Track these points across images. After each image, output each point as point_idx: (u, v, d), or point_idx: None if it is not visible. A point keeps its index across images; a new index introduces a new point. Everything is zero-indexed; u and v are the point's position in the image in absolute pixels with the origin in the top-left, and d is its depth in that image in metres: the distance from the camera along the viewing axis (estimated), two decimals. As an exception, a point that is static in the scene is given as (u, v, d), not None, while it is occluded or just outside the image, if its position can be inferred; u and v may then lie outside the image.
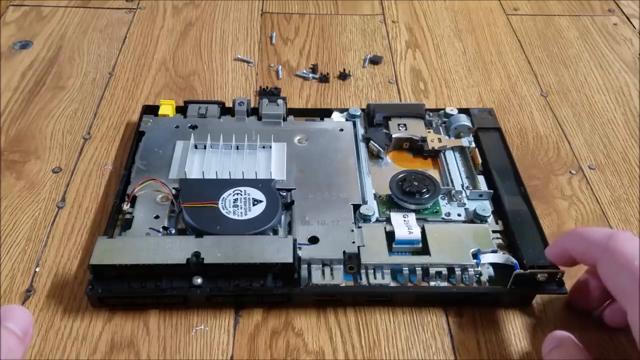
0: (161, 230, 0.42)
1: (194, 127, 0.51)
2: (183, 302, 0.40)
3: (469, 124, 0.52)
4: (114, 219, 0.44)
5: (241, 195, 0.44)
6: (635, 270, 0.32)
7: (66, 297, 0.41)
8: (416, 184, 0.46)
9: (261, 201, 0.44)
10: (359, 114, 0.53)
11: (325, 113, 0.54)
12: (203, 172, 0.47)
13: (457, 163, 0.50)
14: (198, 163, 0.48)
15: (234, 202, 0.43)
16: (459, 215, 0.46)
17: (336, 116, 0.54)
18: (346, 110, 0.54)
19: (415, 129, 0.51)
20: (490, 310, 0.41)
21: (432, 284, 0.41)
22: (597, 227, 0.43)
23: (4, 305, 0.39)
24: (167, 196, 0.44)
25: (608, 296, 0.38)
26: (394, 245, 0.43)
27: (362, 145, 0.51)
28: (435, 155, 0.51)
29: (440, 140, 0.51)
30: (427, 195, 0.46)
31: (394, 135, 0.51)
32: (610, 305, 0.39)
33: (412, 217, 0.44)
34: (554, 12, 0.74)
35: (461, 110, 0.53)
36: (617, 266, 0.33)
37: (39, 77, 0.59)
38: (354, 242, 0.42)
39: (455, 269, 0.41)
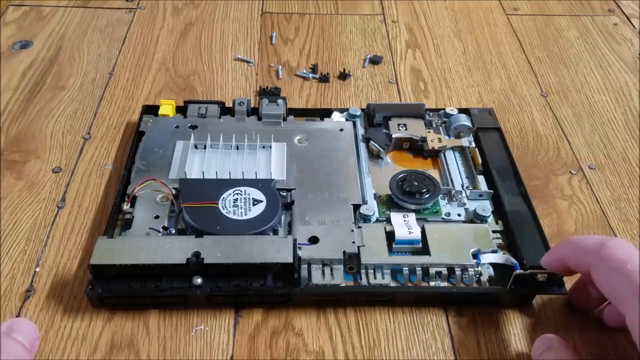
0: (161, 230, 0.42)
1: (194, 127, 0.51)
2: (183, 302, 0.40)
3: (469, 124, 0.52)
4: (114, 219, 0.44)
5: (241, 195, 0.44)
6: (628, 274, 0.32)
7: (66, 297, 0.41)
8: (416, 184, 0.46)
9: (261, 201, 0.44)
10: (359, 114, 0.53)
11: (325, 113, 0.54)
12: (203, 172, 0.47)
13: (457, 163, 0.50)
14: (198, 163, 0.48)
15: (234, 202, 0.43)
16: (459, 215, 0.46)
17: (336, 116, 0.54)
18: (346, 110, 0.54)
19: (415, 129, 0.51)
20: (490, 310, 0.41)
21: (432, 284, 0.41)
22: (590, 235, 0.43)
23: (11, 318, 0.39)
24: (167, 196, 0.44)
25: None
26: (394, 245, 0.43)
27: (362, 145, 0.51)
28: (435, 155, 0.51)
29: (440, 140, 0.51)
30: (427, 195, 0.46)
31: (394, 135, 0.51)
32: (609, 305, 0.40)
33: (412, 217, 0.44)
34: (554, 12, 0.74)
35: (461, 110, 0.53)
36: (611, 271, 0.33)
37: (39, 77, 0.59)
38: (354, 242, 0.42)
39: (455, 269, 0.41)
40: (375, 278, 0.41)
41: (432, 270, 0.41)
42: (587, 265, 0.35)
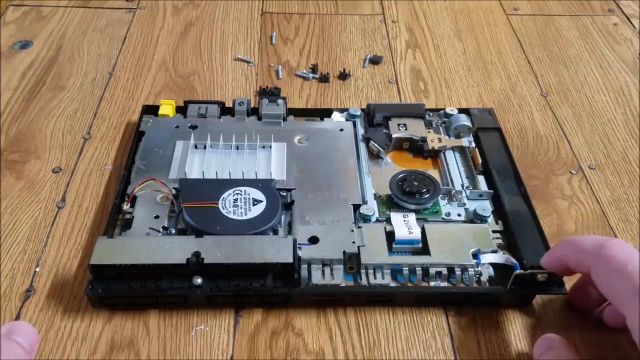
0: (161, 230, 0.42)
1: (194, 127, 0.51)
2: (183, 302, 0.40)
3: (469, 124, 0.52)
4: (114, 219, 0.44)
5: (241, 195, 0.44)
6: (628, 274, 0.32)
7: (66, 297, 0.41)
8: (416, 184, 0.46)
9: (261, 201, 0.44)
10: (359, 114, 0.53)
11: (325, 113, 0.54)
12: (203, 172, 0.47)
13: (457, 163, 0.50)
14: (198, 163, 0.48)
15: (234, 202, 0.43)
16: (459, 215, 0.46)
17: (336, 116, 0.54)
18: (346, 110, 0.54)
19: (415, 129, 0.51)
20: (490, 310, 0.41)
21: (432, 284, 0.41)
22: (589, 235, 0.43)
23: (11, 320, 0.39)
24: (167, 196, 0.44)
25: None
26: (394, 245, 0.43)
27: (362, 145, 0.51)
28: (435, 155, 0.51)
29: (440, 140, 0.51)
30: (427, 195, 0.46)
31: (394, 135, 0.51)
32: (609, 305, 0.40)
33: (412, 217, 0.44)
34: (554, 12, 0.74)
35: (461, 110, 0.53)
36: (611, 272, 0.33)
37: (39, 77, 0.59)
38: (354, 242, 0.42)
39: (455, 269, 0.41)
40: (375, 278, 0.41)
41: (432, 270, 0.41)
42: (586, 266, 0.35)
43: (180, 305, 0.40)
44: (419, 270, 0.41)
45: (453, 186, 0.47)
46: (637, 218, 0.48)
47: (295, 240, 0.40)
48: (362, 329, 0.40)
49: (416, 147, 0.51)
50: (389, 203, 0.46)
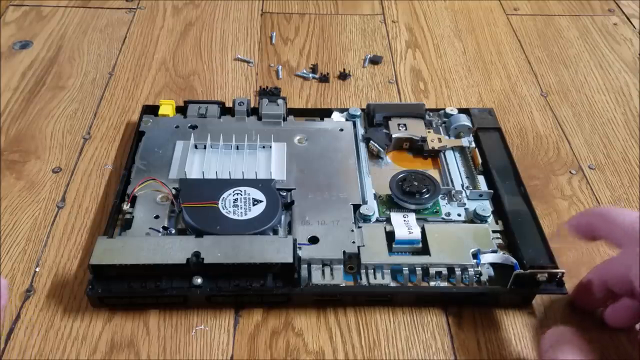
0: (161, 230, 0.42)
1: (194, 127, 0.51)
2: (183, 302, 0.40)
3: (469, 124, 0.52)
4: (114, 219, 0.44)
5: (241, 195, 0.44)
6: None
7: (66, 297, 0.41)
8: (416, 184, 0.46)
9: (261, 201, 0.44)
10: (359, 114, 0.53)
11: (325, 113, 0.54)
12: (203, 172, 0.47)
13: (457, 163, 0.50)
14: (198, 163, 0.48)
15: (234, 202, 0.43)
16: (459, 215, 0.46)
17: (336, 116, 0.54)
18: (346, 110, 0.54)
19: (415, 129, 0.51)
20: (490, 310, 0.41)
21: (432, 284, 0.41)
22: (627, 210, 0.41)
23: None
24: (167, 196, 0.44)
25: (611, 296, 0.38)
26: (394, 245, 0.43)
27: (362, 145, 0.51)
28: (435, 155, 0.51)
29: (440, 140, 0.51)
30: (427, 195, 0.46)
31: (394, 135, 0.51)
32: (611, 305, 0.39)
33: (412, 217, 0.44)
34: (554, 12, 0.74)
35: (461, 110, 0.53)
36: None
37: (39, 77, 0.59)
38: (354, 242, 0.42)
39: (455, 269, 0.41)
40: (375, 278, 0.41)
41: (432, 270, 0.41)
42: (618, 241, 0.34)
43: (180, 305, 0.40)
44: (419, 270, 0.41)
45: (453, 186, 0.47)
46: (637, 218, 0.48)
47: (295, 240, 0.40)
48: (362, 329, 0.40)
49: (416, 147, 0.51)
50: (389, 203, 0.46)
